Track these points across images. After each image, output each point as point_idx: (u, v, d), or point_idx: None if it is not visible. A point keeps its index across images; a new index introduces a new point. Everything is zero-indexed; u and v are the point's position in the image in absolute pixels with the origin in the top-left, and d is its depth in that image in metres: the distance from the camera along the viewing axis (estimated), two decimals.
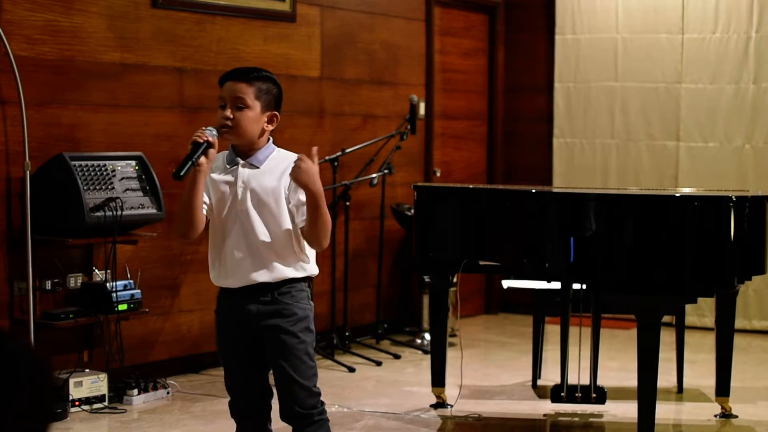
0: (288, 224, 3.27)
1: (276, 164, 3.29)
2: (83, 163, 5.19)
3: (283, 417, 3.35)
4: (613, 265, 4.36)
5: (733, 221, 4.35)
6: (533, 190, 4.85)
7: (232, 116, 3.25)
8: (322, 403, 3.35)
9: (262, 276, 3.26)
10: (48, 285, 5.26)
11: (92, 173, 5.20)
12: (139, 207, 5.31)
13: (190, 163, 3.16)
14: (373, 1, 7.12)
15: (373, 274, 7.07)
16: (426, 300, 7.04)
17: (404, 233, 7.27)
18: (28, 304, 5.06)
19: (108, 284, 5.25)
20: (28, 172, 5.07)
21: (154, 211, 5.38)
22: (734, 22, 7.46)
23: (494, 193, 5.16)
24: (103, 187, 5.20)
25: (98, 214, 5.10)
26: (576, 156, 7.93)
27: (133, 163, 5.41)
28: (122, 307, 5.29)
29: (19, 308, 5.17)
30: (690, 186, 7.34)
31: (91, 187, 5.15)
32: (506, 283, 5.82)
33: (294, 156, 3.29)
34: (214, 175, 3.30)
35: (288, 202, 3.27)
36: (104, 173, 5.25)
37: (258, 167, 3.28)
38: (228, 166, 3.31)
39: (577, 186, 7.38)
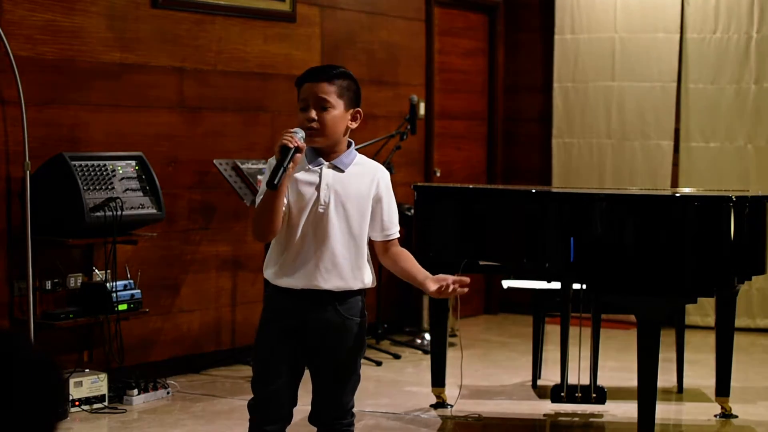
0: (363, 234, 3.22)
1: (361, 171, 3.24)
2: (83, 163, 5.19)
3: (312, 421, 3.32)
4: (614, 265, 4.36)
5: (733, 221, 4.35)
6: (533, 190, 4.85)
7: (316, 117, 3.18)
8: (353, 415, 3.32)
9: (326, 283, 3.18)
10: (48, 285, 5.26)
11: (92, 173, 5.20)
12: (139, 207, 5.31)
13: (282, 170, 3.05)
14: (373, 1, 7.12)
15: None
16: (426, 300, 7.03)
17: (404, 233, 7.27)
18: (28, 304, 5.06)
19: (108, 284, 5.25)
20: (28, 172, 5.07)
21: (154, 211, 5.38)
22: (735, 23, 7.46)
23: (494, 193, 5.16)
24: (103, 187, 5.20)
25: (98, 214, 5.10)
26: (574, 156, 7.93)
27: (133, 163, 5.41)
28: (122, 307, 5.29)
29: (19, 308, 5.17)
30: (691, 186, 7.34)
31: (91, 187, 5.15)
32: (506, 283, 5.82)
33: (380, 166, 3.29)
34: (296, 174, 3.18)
35: (372, 215, 3.23)
36: (104, 173, 5.25)
37: (343, 171, 3.21)
38: (311, 166, 3.21)
39: (575, 186, 7.38)
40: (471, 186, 5.34)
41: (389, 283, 7.31)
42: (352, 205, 3.20)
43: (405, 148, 6.89)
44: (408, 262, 3.30)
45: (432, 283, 3.21)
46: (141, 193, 5.36)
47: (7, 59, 5.00)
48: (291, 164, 3.08)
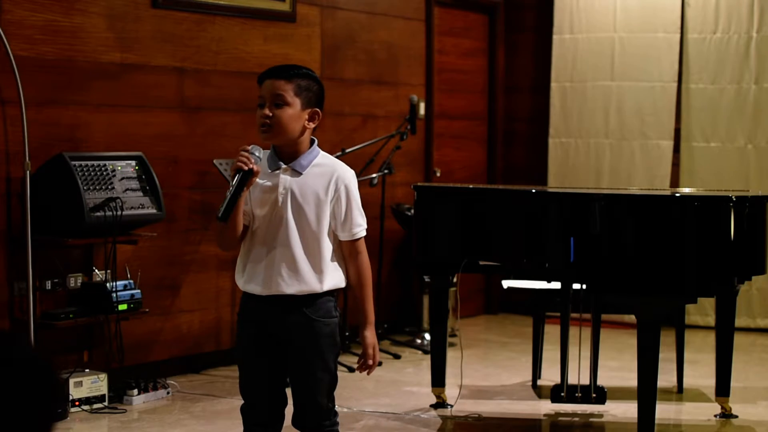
0: (325, 235, 3.20)
1: (320, 171, 3.21)
2: (83, 163, 5.19)
3: (295, 424, 3.32)
4: (613, 265, 4.36)
5: (733, 221, 4.35)
6: (533, 190, 4.85)
7: (271, 114, 3.17)
8: (336, 414, 3.32)
9: (290, 288, 3.18)
10: (48, 285, 5.26)
11: (92, 173, 5.20)
12: (139, 207, 5.31)
13: (233, 200, 3.07)
14: (373, 1, 7.12)
15: (373, 274, 7.05)
16: (426, 300, 7.03)
17: (404, 233, 7.27)
18: (28, 304, 5.06)
19: (108, 284, 5.25)
20: (28, 172, 5.07)
21: (154, 211, 5.38)
22: (735, 23, 7.46)
23: (494, 193, 5.16)
24: (103, 187, 5.21)
25: (98, 214, 5.10)
26: (570, 156, 7.93)
27: (133, 163, 5.41)
28: (122, 307, 5.29)
29: (19, 308, 5.17)
30: (691, 186, 7.34)
31: (91, 187, 5.15)
32: (506, 283, 5.82)
33: (340, 164, 3.25)
34: (256, 179, 3.20)
35: (332, 215, 3.21)
36: (104, 173, 5.25)
37: (301, 173, 3.19)
38: (270, 171, 3.21)
39: (571, 186, 7.38)
40: (471, 186, 5.33)
41: (389, 283, 7.32)
42: (310, 207, 3.18)
43: (405, 148, 6.90)
44: (361, 292, 3.30)
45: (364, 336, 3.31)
46: (141, 193, 5.36)
47: (7, 59, 5.00)
48: (246, 187, 3.10)
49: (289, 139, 3.21)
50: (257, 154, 3.14)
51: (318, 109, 3.26)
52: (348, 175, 3.24)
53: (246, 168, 3.09)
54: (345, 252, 3.26)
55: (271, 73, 3.24)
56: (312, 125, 3.24)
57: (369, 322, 3.30)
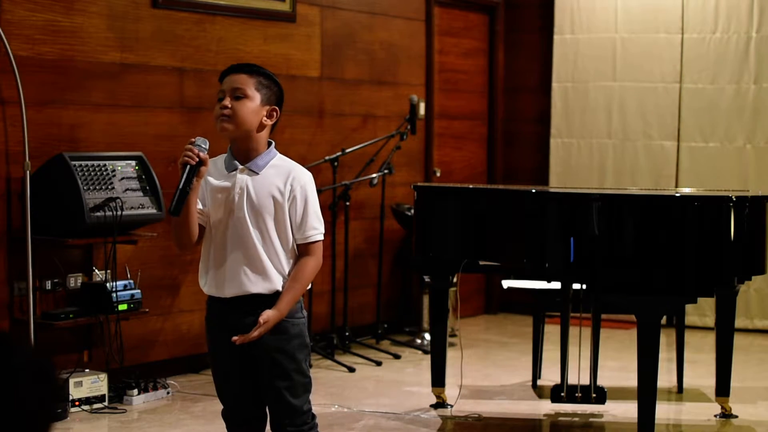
0: (285, 234, 3.19)
1: (276, 172, 3.20)
2: (83, 163, 5.19)
3: (273, 428, 3.31)
4: (613, 265, 4.36)
5: (733, 221, 4.35)
6: (533, 190, 4.85)
7: (230, 105, 3.18)
8: (313, 417, 3.31)
9: (255, 287, 3.17)
10: (48, 285, 5.26)
11: (92, 173, 5.20)
12: (139, 207, 5.31)
13: (184, 194, 3.07)
14: (373, 1, 7.12)
15: (373, 274, 7.07)
16: (426, 300, 7.03)
17: (404, 233, 7.27)
18: (28, 304, 5.06)
19: (108, 284, 5.25)
20: (28, 172, 5.07)
21: (154, 211, 5.38)
22: (734, 23, 7.46)
23: (494, 193, 5.16)
24: (103, 187, 5.21)
25: (98, 214, 5.10)
26: (573, 156, 7.94)
27: (133, 163, 5.41)
28: (122, 307, 5.29)
29: (19, 308, 5.17)
30: (690, 186, 7.34)
31: (91, 187, 5.15)
32: (506, 283, 5.82)
33: (297, 166, 3.24)
34: (212, 180, 3.21)
35: (289, 216, 3.20)
36: (104, 173, 5.25)
37: (257, 173, 3.19)
38: (227, 172, 3.22)
39: (573, 186, 7.38)
40: (471, 186, 5.33)
41: (389, 283, 7.32)
42: (267, 207, 3.17)
43: (405, 148, 6.90)
44: (291, 283, 3.19)
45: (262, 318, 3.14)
46: (141, 193, 5.36)
47: (7, 59, 5.00)
48: (196, 179, 3.10)
49: (246, 133, 3.20)
50: (203, 145, 3.14)
51: (277, 108, 3.25)
52: (305, 177, 3.23)
53: (193, 162, 3.09)
54: (299, 254, 3.24)
55: (233, 69, 3.26)
56: (270, 122, 3.23)
57: (277, 308, 3.15)
